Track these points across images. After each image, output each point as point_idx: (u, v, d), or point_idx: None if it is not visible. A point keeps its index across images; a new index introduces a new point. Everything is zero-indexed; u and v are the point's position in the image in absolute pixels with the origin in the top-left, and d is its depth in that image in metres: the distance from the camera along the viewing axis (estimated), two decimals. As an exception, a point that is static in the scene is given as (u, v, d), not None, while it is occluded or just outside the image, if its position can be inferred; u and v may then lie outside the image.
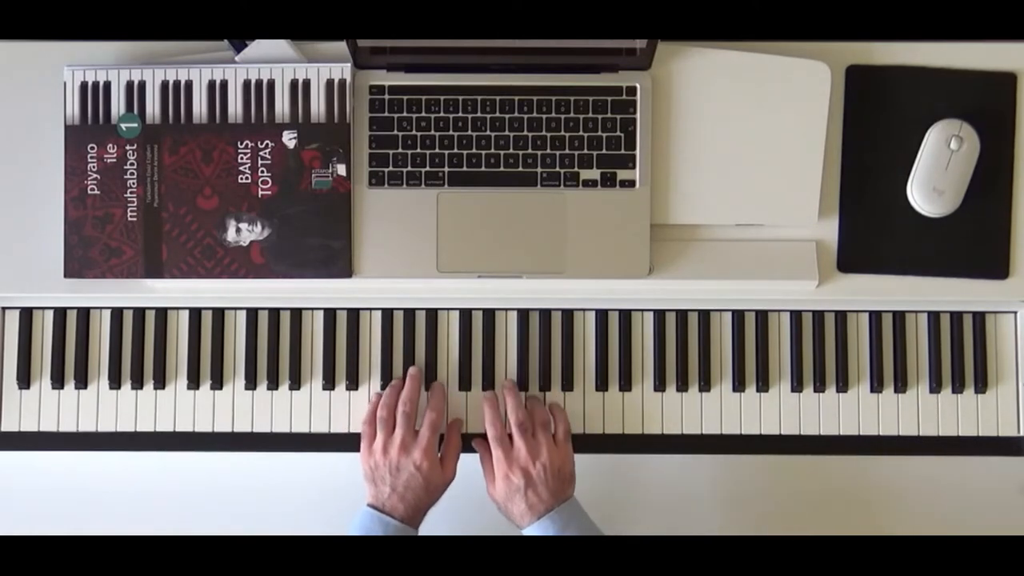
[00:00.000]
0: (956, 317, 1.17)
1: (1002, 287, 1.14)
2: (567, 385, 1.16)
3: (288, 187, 1.10)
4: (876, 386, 1.16)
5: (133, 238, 1.10)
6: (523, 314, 1.16)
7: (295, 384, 1.15)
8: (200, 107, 1.10)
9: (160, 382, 1.15)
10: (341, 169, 1.10)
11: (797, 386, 1.16)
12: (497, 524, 1.11)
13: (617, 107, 1.10)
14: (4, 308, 1.16)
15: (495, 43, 1.08)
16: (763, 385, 1.16)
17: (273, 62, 1.10)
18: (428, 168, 1.11)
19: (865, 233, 1.14)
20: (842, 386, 1.16)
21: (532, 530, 1.06)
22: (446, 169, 1.11)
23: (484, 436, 1.12)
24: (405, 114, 1.11)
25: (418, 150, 1.11)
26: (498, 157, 1.11)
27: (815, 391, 1.16)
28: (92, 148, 1.10)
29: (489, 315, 1.16)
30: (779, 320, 1.17)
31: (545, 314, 1.16)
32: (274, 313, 1.16)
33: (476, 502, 1.12)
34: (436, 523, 1.10)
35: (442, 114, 1.10)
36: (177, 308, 1.16)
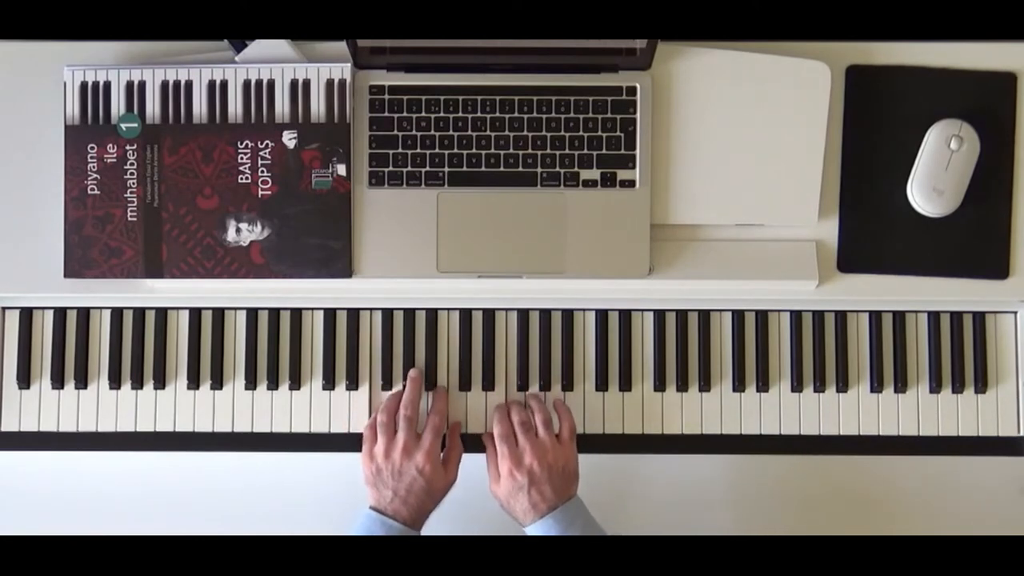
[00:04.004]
0: (956, 317, 1.17)
1: (1002, 287, 1.14)
2: (567, 385, 1.16)
3: (288, 187, 1.10)
4: (876, 386, 1.16)
5: (133, 238, 1.10)
6: (523, 314, 1.16)
7: (295, 384, 1.15)
8: (200, 107, 1.10)
9: (160, 382, 1.15)
10: (341, 169, 1.10)
11: (797, 386, 1.16)
12: (499, 524, 1.11)
13: (617, 107, 1.10)
14: (4, 308, 1.16)
15: (495, 43, 1.08)
16: (763, 385, 1.16)
17: (273, 62, 1.10)
18: (428, 168, 1.11)
19: (865, 233, 1.14)
20: (842, 386, 1.16)
21: (535, 528, 1.06)
22: (446, 169, 1.11)
23: (489, 433, 1.12)
24: (405, 114, 1.11)
25: (418, 150, 1.11)
26: (498, 157, 1.11)
27: (815, 391, 1.16)
28: (92, 148, 1.10)
29: (489, 315, 1.16)
30: (779, 320, 1.17)
31: (545, 314, 1.16)
32: (274, 313, 1.16)
33: (478, 502, 1.12)
34: (438, 523, 1.10)
35: (442, 114, 1.10)
36: (177, 308, 1.16)
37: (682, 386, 1.16)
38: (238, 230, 1.10)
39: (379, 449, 1.09)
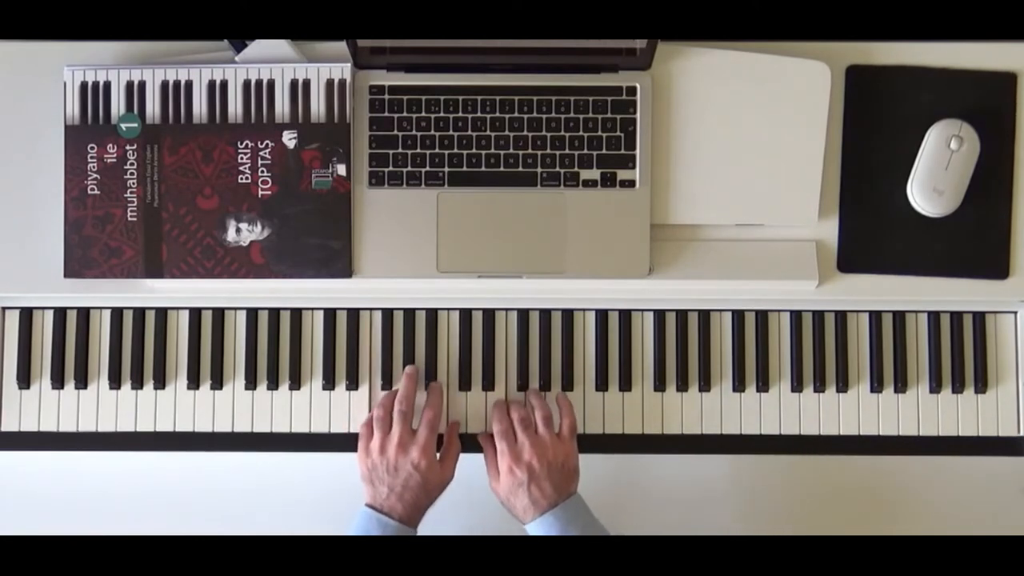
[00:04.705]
0: (956, 317, 1.17)
1: (1002, 287, 1.14)
2: (567, 385, 1.16)
3: (288, 187, 1.10)
4: (876, 386, 1.16)
5: (133, 238, 1.10)
6: (523, 314, 1.16)
7: (295, 384, 1.15)
8: (200, 107, 1.10)
9: (160, 382, 1.15)
10: (341, 169, 1.10)
11: (797, 386, 1.16)
12: (498, 524, 1.11)
13: (617, 107, 1.10)
14: (4, 308, 1.16)
15: (495, 43, 1.08)
16: (763, 385, 1.16)
17: (273, 62, 1.10)
18: (428, 168, 1.11)
19: (865, 233, 1.14)
20: (842, 386, 1.16)
21: (535, 525, 1.06)
22: (446, 169, 1.11)
23: (487, 433, 1.12)
24: (405, 114, 1.11)
25: (418, 150, 1.11)
26: (498, 157, 1.11)
27: (815, 391, 1.16)
28: (92, 148, 1.10)
29: (489, 315, 1.16)
30: (779, 320, 1.17)
31: (545, 314, 1.16)
32: (274, 313, 1.16)
33: (477, 501, 1.12)
34: (437, 523, 1.10)
35: (442, 114, 1.10)
36: (177, 308, 1.16)
37: (682, 386, 1.16)
38: (238, 230, 1.10)
39: (374, 445, 1.09)
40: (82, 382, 1.15)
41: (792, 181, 1.12)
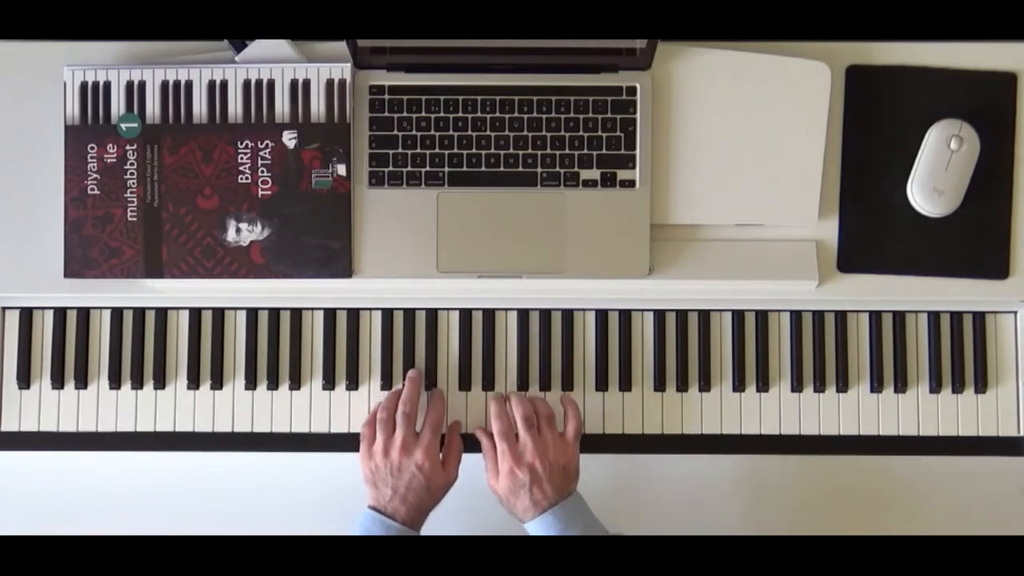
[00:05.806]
0: (956, 317, 1.17)
1: (1002, 287, 1.14)
2: (567, 385, 1.16)
3: (288, 187, 1.10)
4: (876, 386, 1.16)
5: (133, 238, 1.10)
6: (523, 314, 1.16)
7: (295, 384, 1.15)
8: (200, 107, 1.10)
9: (160, 382, 1.15)
10: (341, 169, 1.10)
11: (797, 386, 1.16)
12: (499, 523, 1.11)
13: (617, 107, 1.10)
14: (4, 308, 1.16)
15: (495, 43, 1.08)
16: (763, 385, 1.16)
17: (273, 62, 1.11)
18: (428, 168, 1.11)
19: (865, 233, 1.14)
20: (842, 386, 1.16)
21: (535, 525, 1.06)
22: (446, 169, 1.11)
23: (486, 429, 1.12)
24: (405, 114, 1.11)
25: (418, 150, 1.11)
26: (498, 157, 1.11)
27: (815, 391, 1.16)
28: (92, 148, 1.10)
29: (489, 315, 1.16)
30: (779, 320, 1.17)
31: (545, 314, 1.16)
32: (274, 313, 1.16)
33: (478, 502, 1.12)
34: (437, 522, 1.10)
35: (442, 114, 1.10)
36: (177, 308, 1.16)
37: (682, 386, 1.16)
38: (238, 230, 1.10)
39: (377, 447, 1.09)
40: (82, 382, 1.15)
41: (792, 181, 1.12)
